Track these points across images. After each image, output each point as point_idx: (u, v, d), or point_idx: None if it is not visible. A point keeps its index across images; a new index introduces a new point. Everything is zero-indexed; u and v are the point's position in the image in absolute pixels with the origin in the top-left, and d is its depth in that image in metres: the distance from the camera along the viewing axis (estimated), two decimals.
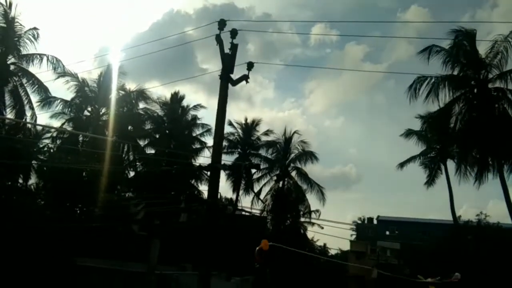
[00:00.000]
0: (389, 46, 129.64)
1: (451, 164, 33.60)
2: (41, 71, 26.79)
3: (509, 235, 27.06)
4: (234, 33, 10.93)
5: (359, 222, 74.25)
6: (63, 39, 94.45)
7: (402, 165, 38.23)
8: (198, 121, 35.36)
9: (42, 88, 26.68)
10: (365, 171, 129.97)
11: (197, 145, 35.11)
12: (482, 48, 23.60)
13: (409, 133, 36.77)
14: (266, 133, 39.51)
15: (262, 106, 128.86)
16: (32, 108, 26.41)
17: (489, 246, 27.13)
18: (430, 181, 36.26)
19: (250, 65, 11.32)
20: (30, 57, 26.20)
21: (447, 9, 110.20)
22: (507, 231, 29.44)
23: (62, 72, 28.00)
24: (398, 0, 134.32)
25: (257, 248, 7.28)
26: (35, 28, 26.35)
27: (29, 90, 26.17)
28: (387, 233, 63.48)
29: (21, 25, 25.93)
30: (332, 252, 79.55)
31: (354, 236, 69.00)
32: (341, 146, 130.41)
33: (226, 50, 11.01)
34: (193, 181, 33.23)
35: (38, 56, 26.28)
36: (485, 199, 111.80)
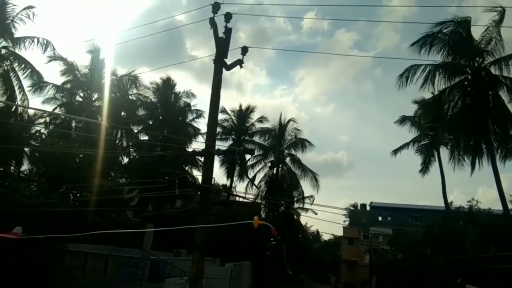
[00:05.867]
0: (376, 34, 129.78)
1: (443, 151, 33.91)
2: (33, 54, 26.24)
3: (499, 220, 27.39)
4: (228, 16, 10.76)
5: (352, 208, 75.01)
6: (54, 24, 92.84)
7: (395, 151, 38.46)
8: (192, 108, 35.30)
9: (34, 73, 26.18)
10: (356, 157, 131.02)
11: (191, 131, 35.05)
12: (477, 35, 23.51)
13: (403, 120, 36.92)
14: (260, 120, 39.48)
15: (253, 93, 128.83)
16: (24, 93, 25.94)
17: (479, 230, 27.51)
18: (425, 169, 36.50)
19: (244, 50, 11.19)
20: (21, 40, 25.60)
21: None
22: (498, 216, 29.84)
23: (52, 56, 27.48)
24: None
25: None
26: (30, 7, 25.35)
27: (20, 74, 25.68)
28: (380, 219, 64.20)
29: (13, 5, 25.24)
30: (325, 237, 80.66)
31: (347, 222, 69.80)
32: (332, 133, 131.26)
33: (220, 34, 10.87)
34: (187, 167, 33.24)
35: (29, 39, 25.61)
36: (475, 185, 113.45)
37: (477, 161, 24.02)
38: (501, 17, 21.77)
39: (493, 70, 23.14)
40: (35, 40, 25.67)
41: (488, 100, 23.16)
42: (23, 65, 25.50)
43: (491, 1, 21.51)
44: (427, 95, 27.35)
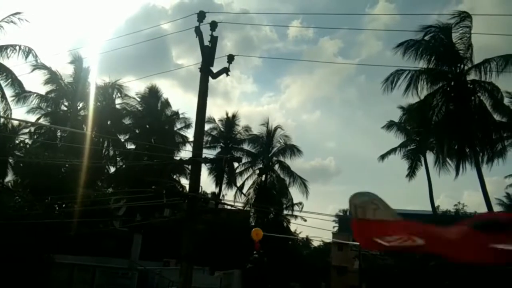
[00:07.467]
0: (359, 42, 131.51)
1: (429, 156, 34.31)
2: (14, 63, 25.67)
3: None
4: (214, 25, 10.81)
5: (341, 214, 75.10)
6: (36, 33, 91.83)
7: (383, 157, 38.72)
8: (180, 116, 35.18)
9: (16, 82, 25.72)
10: (344, 164, 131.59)
11: (179, 139, 34.88)
12: (457, 41, 23.98)
13: (390, 125, 37.23)
14: (247, 129, 39.50)
15: (240, 101, 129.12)
16: (6, 102, 25.42)
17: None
18: (411, 173, 36.80)
19: (230, 58, 11.26)
20: (2, 48, 25.04)
21: (412, 4, 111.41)
22: None
23: (35, 65, 27.02)
24: None
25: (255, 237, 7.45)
26: (17, 13, 24.63)
27: (2, 83, 25.17)
28: None
29: None
30: (315, 244, 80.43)
31: (336, 228, 69.87)
32: (319, 139, 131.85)
33: (206, 43, 10.90)
34: (175, 176, 33.01)
35: (11, 47, 24.86)
36: (460, 189, 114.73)
37: (461, 165, 24.38)
38: (458, 21, 22.57)
39: (474, 76, 23.63)
40: (17, 48, 25.01)
41: (470, 106, 23.57)
42: (4, 74, 25.00)
43: (469, 8, 22.25)
44: (413, 101, 27.79)
